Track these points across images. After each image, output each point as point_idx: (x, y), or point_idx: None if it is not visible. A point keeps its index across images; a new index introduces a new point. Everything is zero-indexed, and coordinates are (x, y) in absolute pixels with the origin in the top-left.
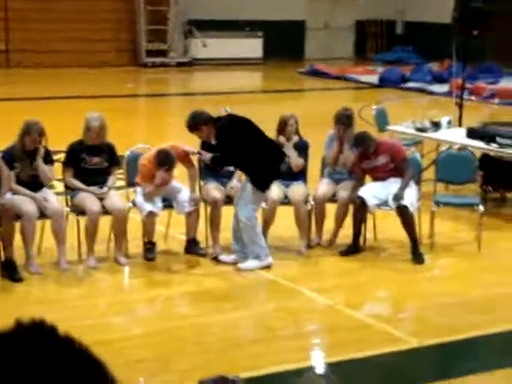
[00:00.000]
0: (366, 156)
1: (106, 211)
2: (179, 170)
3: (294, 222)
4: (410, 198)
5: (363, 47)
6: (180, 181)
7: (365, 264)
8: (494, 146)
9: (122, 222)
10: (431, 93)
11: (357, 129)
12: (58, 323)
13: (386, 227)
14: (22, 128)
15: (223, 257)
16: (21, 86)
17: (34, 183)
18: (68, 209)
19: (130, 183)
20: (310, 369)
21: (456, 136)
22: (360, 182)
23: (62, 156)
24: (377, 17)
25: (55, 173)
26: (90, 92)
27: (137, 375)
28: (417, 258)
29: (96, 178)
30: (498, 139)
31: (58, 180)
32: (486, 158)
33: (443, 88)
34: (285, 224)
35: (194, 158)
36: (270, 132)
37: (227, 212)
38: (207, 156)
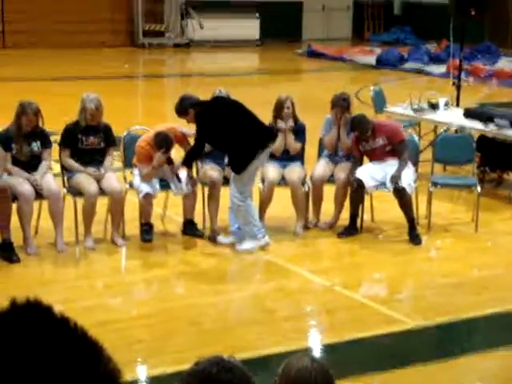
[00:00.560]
0: (363, 138)
1: (103, 192)
2: (176, 152)
3: (291, 203)
4: (408, 179)
5: (361, 28)
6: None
7: (362, 245)
8: (491, 126)
9: (119, 204)
10: (429, 74)
11: (354, 110)
12: (55, 304)
13: (383, 208)
14: (17, 108)
15: (221, 238)
16: (16, 67)
17: (31, 164)
18: (65, 190)
19: (127, 164)
20: (309, 349)
21: (453, 117)
22: (358, 164)
23: (58, 137)
24: None
25: (52, 154)
26: (86, 73)
27: (134, 356)
28: (414, 238)
29: (92, 158)
30: (495, 120)
31: (55, 161)
32: (483, 139)
33: (441, 69)
34: (282, 205)
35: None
36: (268, 113)
37: (224, 193)
38: (179, 165)
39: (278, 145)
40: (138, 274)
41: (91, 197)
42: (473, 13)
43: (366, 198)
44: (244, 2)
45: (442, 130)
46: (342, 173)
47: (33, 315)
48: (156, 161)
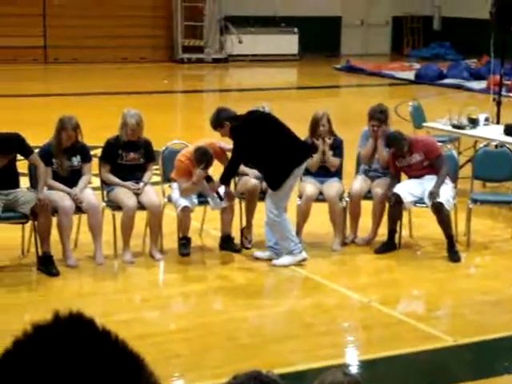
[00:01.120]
0: (400, 155)
1: (141, 206)
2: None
3: (329, 218)
4: (446, 195)
5: (400, 43)
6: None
7: (400, 261)
8: None
9: (157, 218)
10: (468, 89)
11: (393, 126)
12: (95, 317)
13: (421, 224)
14: (57, 124)
15: (258, 253)
16: (58, 82)
17: (72, 178)
18: (104, 204)
19: (166, 179)
20: (345, 366)
21: (494, 133)
22: (395, 180)
23: (98, 151)
24: (414, 12)
25: (92, 168)
26: (126, 88)
27: (172, 370)
28: (453, 255)
29: (132, 173)
30: None
31: (95, 175)
32: None
33: (481, 85)
34: (319, 221)
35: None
36: (305, 129)
37: (260, 208)
38: (217, 184)
39: (314, 161)
40: (176, 288)
41: (130, 210)
42: None
43: (404, 214)
44: (283, 17)
45: (481, 145)
46: (379, 188)
47: (75, 328)
48: (196, 177)
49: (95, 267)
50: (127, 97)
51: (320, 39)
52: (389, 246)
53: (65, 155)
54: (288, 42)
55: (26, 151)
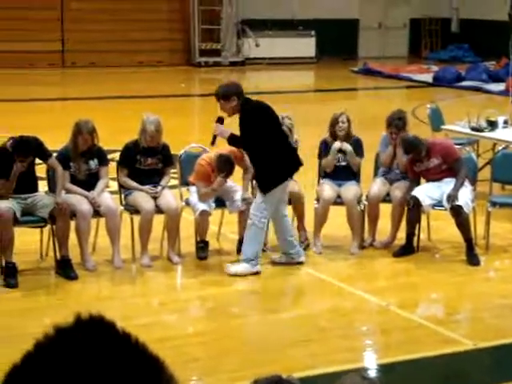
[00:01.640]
0: (418, 159)
1: (159, 210)
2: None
3: (347, 222)
4: (465, 198)
5: (418, 46)
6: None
7: (418, 265)
8: None
9: (175, 221)
10: (487, 92)
11: (411, 129)
12: (120, 321)
13: (440, 227)
14: (73, 128)
15: (274, 256)
16: (76, 86)
17: (89, 182)
18: (122, 207)
19: (184, 182)
20: (363, 369)
21: None
22: (414, 183)
23: (115, 155)
24: (432, 15)
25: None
26: (143, 91)
27: (189, 374)
28: (472, 259)
29: (150, 178)
30: None
31: (112, 179)
32: None
33: (500, 87)
34: (337, 224)
35: None
36: (322, 131)
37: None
38: (224, 133)
39: (330, 160)
40: (193, 292)
41: (148, 214)
42: None
43: (423, 217)
44: (300, 20)
45: (500, 148)
46: (398, 191)
47: (97, 330)
48: (217, 184)
49: (113, 271)
50: (144, 100)
51: (337, 42)
52: (407, 250)
53: (82, 159)
54: (305, 45)
55: (45, 155)
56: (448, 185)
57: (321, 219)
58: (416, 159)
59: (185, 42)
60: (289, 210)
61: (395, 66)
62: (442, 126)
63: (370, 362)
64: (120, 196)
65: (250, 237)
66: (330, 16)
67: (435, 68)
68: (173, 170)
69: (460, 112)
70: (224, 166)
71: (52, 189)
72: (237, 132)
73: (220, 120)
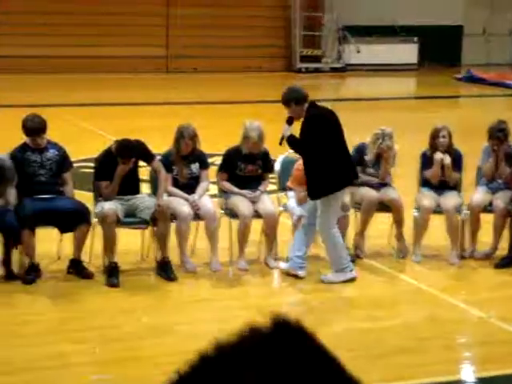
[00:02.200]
0: None
1: (257, 214)
2: None
3: (446, 231)
4: None
5: None
6: None
7: None
8: None
9: (273, 226)
10: None
11: None
12: (209, 323)
13: None
14: (175, 133)
15: (281, 264)
16: (179, 91)
17: (191, 185)
18: (221, 211)
19: (282, 187)
20: (461, 382)
21: None
22: None
23: (216, 159)
24: None
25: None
26: (244, 97)
27: None
28: None
29: (249, 183)
30: None
31: (212, 183)
32: None
33: None
34: (437, 233)
35: None
36: (422, 139)
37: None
38: (285, 132)
39: (434, 172)
40: (289, 297)
41: (246, 218)
42: None
43: None
44: (402, 26)
45: None
46: (500, 201)
47: (295, 341)
48: None
49: (211, 273)
50: (245, 106)
51: (440, 48)
52: (510, 261)
53: (184, 162)
54: (407, 52)
55: (149, 157)
56: None
57: (421, 228)
58: None
59: (286, 48)
60: (388, 218)
61: (500, 73)
62: None
63: (469, 375)
64: (219, 200)
65: (328, 250)
66: (433, 22)
67: None
68: (271, 175)
69: None
70: None
71: (154, 191)
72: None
73: (289, 120)
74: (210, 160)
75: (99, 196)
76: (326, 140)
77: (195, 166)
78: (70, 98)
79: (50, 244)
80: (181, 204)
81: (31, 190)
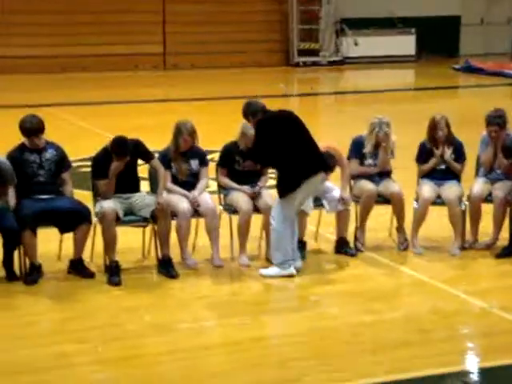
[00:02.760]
0: None
1: (257, 210)
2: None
3: (449, 221)
4: None
5: None
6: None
7: None
8: None
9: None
10: None
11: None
12: (212, 319)
13: None
14: (174, 129)
15: (262, 270)
16: (177, 88)
17: (190, 182)
18: (221, 207)
19: None
20: (464, 373)
21: None
22: None
23: (215, 155)
24: None
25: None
26: (242, 92)
27: (289, 373)
28: None
29: (248, 179)
30: None
31: (212, 179)
32: None
33: None
34: (438, 224)
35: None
36: (422, 130)
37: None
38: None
39: (431, 166)
40: (291, 292)
41: (246, 214)
42: None
43: None
44: (399, 18)
45: None
46: (500, 191)
47: None
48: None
49: (213, 270)
50: (243, 101)
51: (438, 39)
52: (511, 251)
53: (183, 159)
54: (405, 43)
55: (147, 156)
56: None
57: (419, 219)
58: None
59: (283, 42)
60: (389, 211)
61: (498, 62)
62: None
63: (472, 366)
64: (219, 196)
65: (273, 242)
66: (430, 13)
67: None
68: (271, 170)
69: None
70: (327, 162)
71: (154, 189)
72: None
73: None
74: (209, 156)
75: (97, 195)
76: (278, 141)
77: (194, 163)
78: (67, 97)
79: (50, 244)
80: (181, 201)
81: (30, 190)
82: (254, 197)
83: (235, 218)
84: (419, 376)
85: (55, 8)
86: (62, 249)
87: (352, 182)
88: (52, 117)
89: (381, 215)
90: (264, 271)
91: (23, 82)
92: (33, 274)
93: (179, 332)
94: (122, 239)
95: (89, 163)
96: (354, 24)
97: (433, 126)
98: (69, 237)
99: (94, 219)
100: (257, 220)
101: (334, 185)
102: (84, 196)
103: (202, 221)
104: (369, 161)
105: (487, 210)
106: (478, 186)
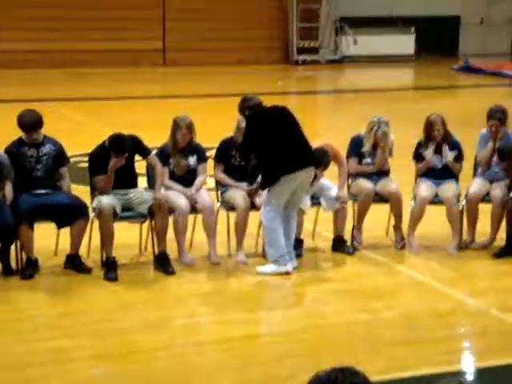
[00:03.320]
0: None
1: (254, 207)
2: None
3: (447, 220)
4: None
5: None
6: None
7: None
8: None
9: None
10: None
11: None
12: (208, 316)
13: None
14: (172, 125)
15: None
16: (176, 84)
17: (188, 178)
18: (218, 204)
19: None
20: (461, 373)
21: None
22: None
23: (213, 152)
24: None
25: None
26: (241, 90)
27: (285, 370)
28: None
29: (244, 175)
30: None
31: (209, 176)
32: None
33: None
34: (435, 224)
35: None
36: (421, 130)
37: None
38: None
39: (424, 167)
40: (288, 289)
41: (243, 211)
42: None
43: None
44: (399, 17)
45: None
46: (498, 191)
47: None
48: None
49: (210, 267)
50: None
51: (438, 39)
52: (508, 251)
53: (181, 155)
54: (404, 42)
55: (144, 152)
56: None
57: (416, 217)
58: None
59: (283, 40)
60: (386, 209)
61: (498, 63)
62: None
63: (469, 366)
64: (216, 193)
65: (266, 239)
66: (430, 12)
67: None
68: None
69: None
70: (319, 160)
71: (151, 185)
72: None
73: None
74: (207, 153)
75: (95, 190)
76: (266, 135)
77: (192, 159)
78: (66, 93)
79: (47, 239)
80: (179, 197)
81: (28, 185)
82: (252, 194)
83: (232, 215)
84: (415, 375)
85: (54, 3)
86: (59, 244)
87: (350, 180)
88: (51, 112)
89: (378, 214)
90: (260, 269)
91: (22, 76)
92: (29, 269)
93: (175, 328)
94: (118, 235)
95: (87, 158)
96: (354, 23)
97: (428, 125)
98: (65, 232)
99: (92, 214)
100: (254, 217)
101: (331, 183)
102: (82, 191)
103: (199, 217)
104: (367, 159)
105: (484, 209)
106: (476, 185)
